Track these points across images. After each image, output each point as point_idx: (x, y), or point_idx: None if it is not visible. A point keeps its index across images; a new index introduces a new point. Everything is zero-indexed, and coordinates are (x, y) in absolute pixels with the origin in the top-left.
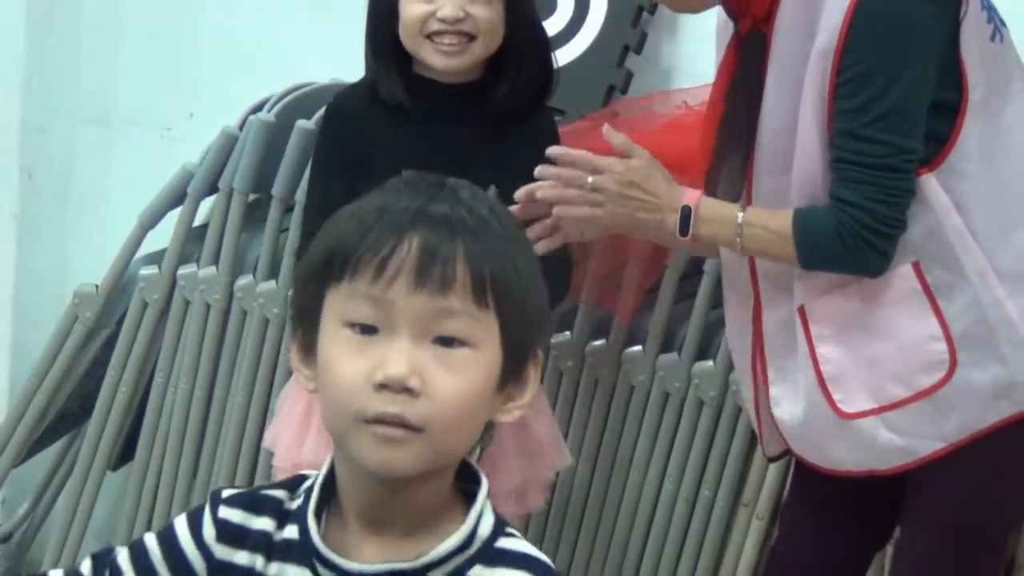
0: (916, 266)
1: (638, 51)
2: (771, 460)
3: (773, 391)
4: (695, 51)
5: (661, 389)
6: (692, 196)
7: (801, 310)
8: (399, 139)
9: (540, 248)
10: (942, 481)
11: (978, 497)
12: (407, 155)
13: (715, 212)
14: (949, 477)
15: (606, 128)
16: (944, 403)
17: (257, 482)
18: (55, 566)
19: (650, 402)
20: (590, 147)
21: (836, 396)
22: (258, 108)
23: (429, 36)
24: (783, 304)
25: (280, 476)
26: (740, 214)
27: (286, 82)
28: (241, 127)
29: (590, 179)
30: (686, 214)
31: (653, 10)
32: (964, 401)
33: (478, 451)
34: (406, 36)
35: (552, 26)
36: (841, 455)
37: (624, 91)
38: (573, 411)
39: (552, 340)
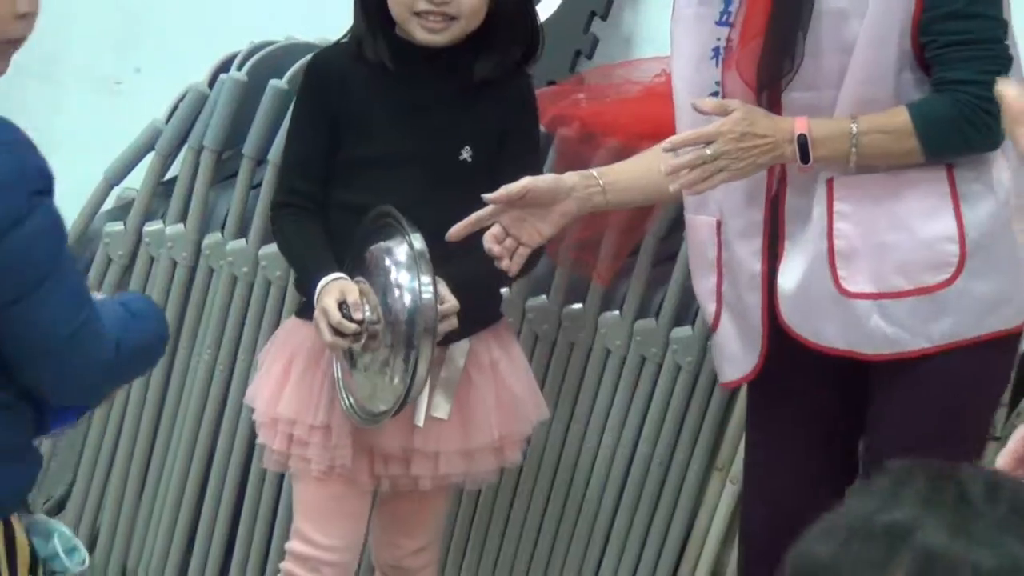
0: (950, 171)
1: (604, 17)
2: (727, 385)
3: (783, 262)
4: (658, 20)
5: (638, 354)
6: (802, 123)
7: (830, 183)
8: (380, 99)
9: (510, 267)
10: (916, 383)
11: (947, 407)
12: (386, 112)
13: (829, 130)
14: (924, 380)
15: (694, 101)
16: (941, 304)
17: (220, 439)
18: None
19: (626, 366)
20: (561, 113)
21: (841, 272)
22: (225, 66)
23: (416, 12)
24: (809, 175)
25: (261, 431)
26: (853, 125)
27: (234, 40)
28: (210, 85)
29: (708, 150)
30: (803, 142)
31: None
32: (960, 306)
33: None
34: (395, 9)
35: None
36: (829, 331)
37: (590, 56)
38: (548, 373)
39: (528, 303)
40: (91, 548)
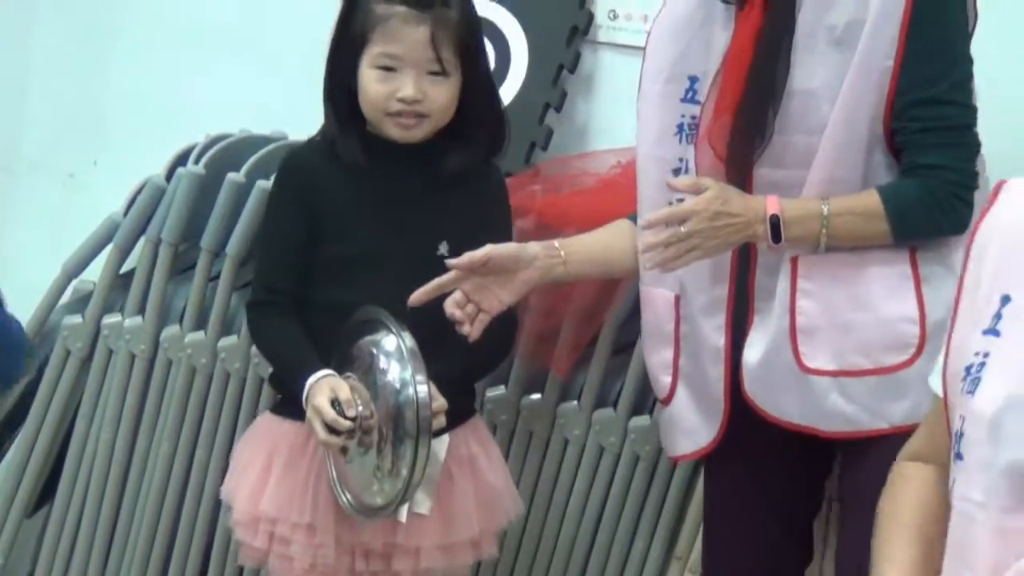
0: (912, 252)
1: (558, 109)
2: (678, 459)
3: (749, 336)
4: (611, 111)
5: (596, 443)
6: (773, 203)
7: (794, 260)
8: (354, 194)
9: (470, 332)
10: (877, 459)
11: None
12: (362, 209)
13: (801, 211)
14: (885, 456)
15: (668, 180)
16: (900, 385)
17: (180, 531)
18: None
19: (584, 456)
20: (518, 204)
21: (802, 349)
22: (182, 158)
23: (389, 113)
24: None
25: (239, 529)
26: (824, 206)
27: (190, 132)
28: (168, 178)
29: (682, 228)
30: (775, 222)
31: (573, 68)
32: (919, 388)
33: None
34: (367, 109)
35: None
36: (789, 406)
37: (544, 148)
38: (507, 462)
39: (487, 393)
40: None
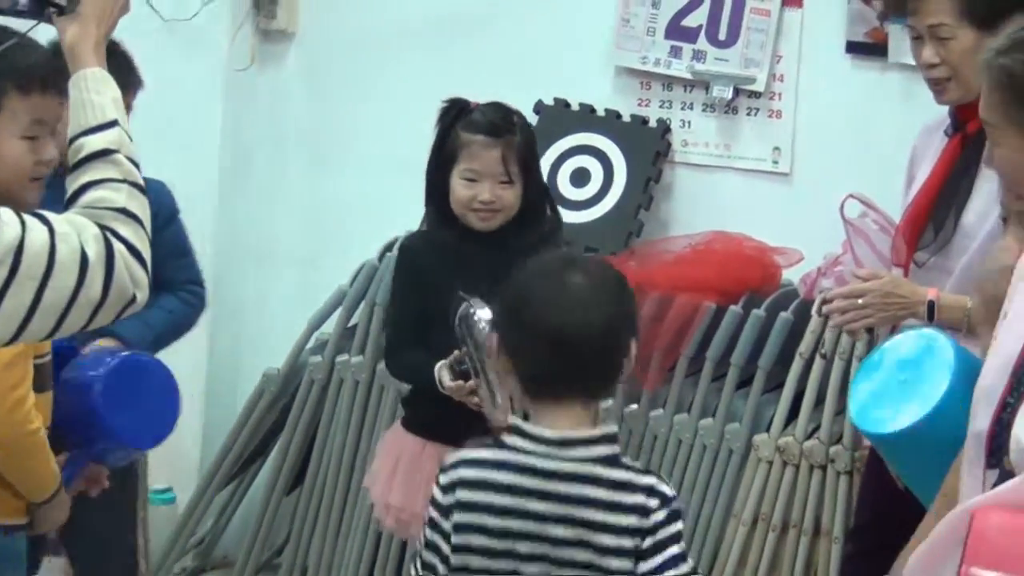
0: None
1: (647, 208)
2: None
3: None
4: (684, 210)
5: (676, 439)
6: (933, 292)
7: None
8: (451, 268)
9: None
10: None
11: None
12: (457, 279)
13: (951, 302)
14: None
15: (852, 270)
16: None
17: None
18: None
19: (667, 449)
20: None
21: None
22: (388, 247)
23: (472, 208)
24: None
25: (376, 513)
26: (969, 303)
27: (391, 229)
28: (379, 260)
29: (859, 301)
30: (931, 307)
31: (657, 180)
32: None
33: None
34: (456, 207)
35: (587, 191)
36: None
37: (638, 235)
38: None
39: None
40: None
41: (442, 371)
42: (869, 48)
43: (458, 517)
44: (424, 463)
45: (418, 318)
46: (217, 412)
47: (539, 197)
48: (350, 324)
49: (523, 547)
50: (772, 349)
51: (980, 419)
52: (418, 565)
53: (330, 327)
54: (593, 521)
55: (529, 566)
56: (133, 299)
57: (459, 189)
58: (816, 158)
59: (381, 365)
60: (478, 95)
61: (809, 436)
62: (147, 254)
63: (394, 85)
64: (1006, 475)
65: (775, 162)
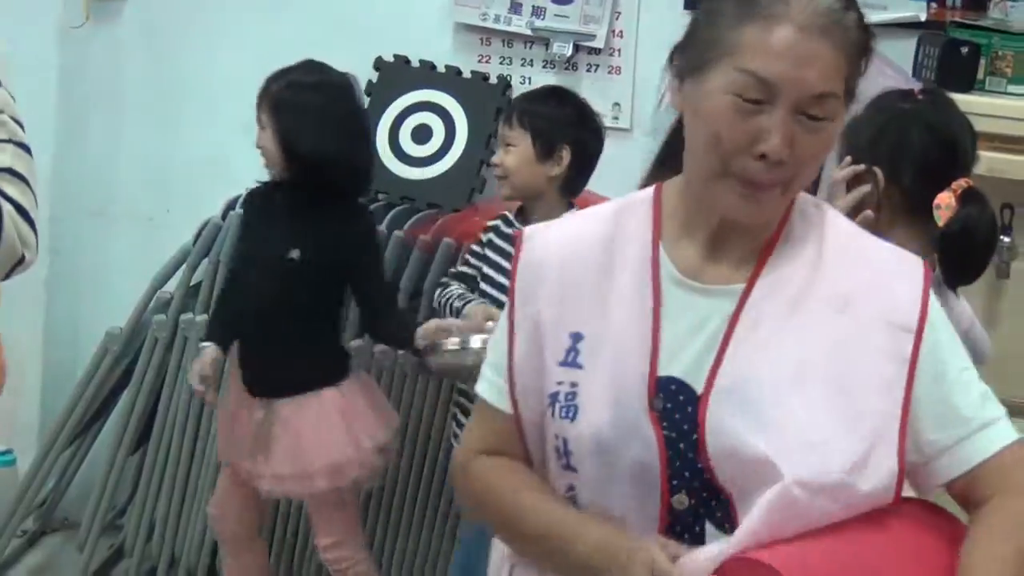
0: None
1: (489, 164)
2: None
3: None
4: None
5: None
6: None
7: None
8: None
9: None
10: None
11: None
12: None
13: None
14: None
15: None
16: None
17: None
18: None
19: None
20: (463, 228)
21: None
22: (231, 205)
23: None
24: None
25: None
26: None
27: (236, 184)
28: (223, 218)
29: None
30: None
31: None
32: None
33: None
34: None
35: (429, 148)
36: None
37: (481, 191)
38: None
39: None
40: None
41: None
42: None
43: None
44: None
45: None
46: (57, 372)
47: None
48: (193, 283)
49: None
50: None
51: None
52: None
53: (172, 286)
54: None
55: None
56: (23, 258)
57: None
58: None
59: None
60: (317, 52)
61: None
62: (35, 213)
63: (233, 42)
64: None
65: (615, 118)
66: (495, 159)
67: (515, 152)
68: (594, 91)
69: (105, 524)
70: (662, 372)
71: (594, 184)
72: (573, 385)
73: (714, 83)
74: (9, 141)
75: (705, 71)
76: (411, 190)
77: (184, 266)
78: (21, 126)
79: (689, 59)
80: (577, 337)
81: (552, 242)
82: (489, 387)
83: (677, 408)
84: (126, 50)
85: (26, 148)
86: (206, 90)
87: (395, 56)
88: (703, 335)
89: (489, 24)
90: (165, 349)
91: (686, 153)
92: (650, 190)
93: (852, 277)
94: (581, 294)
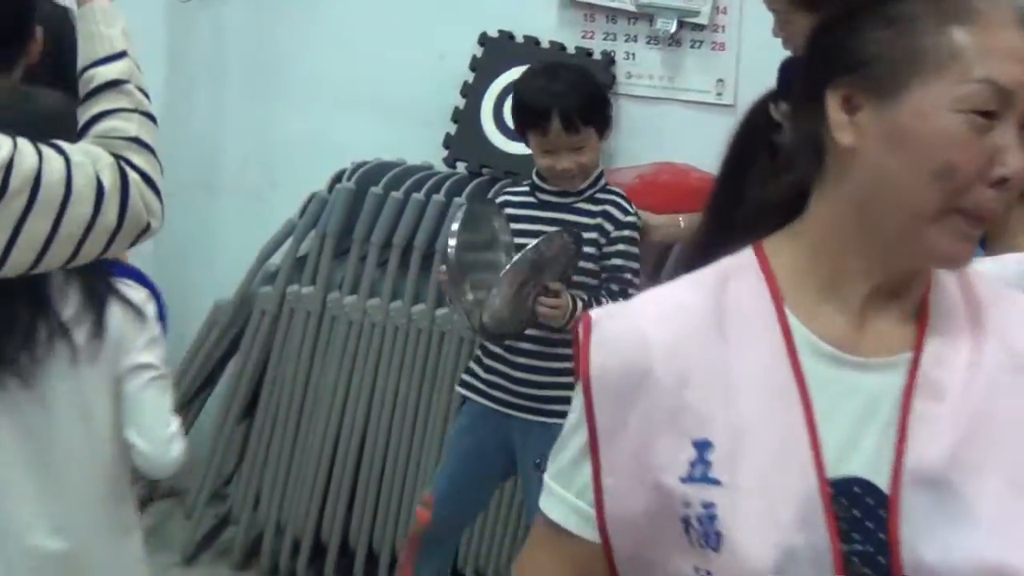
0: None
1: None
2: None
3: None
4: (630, 140)
5: None
6: None
7: None
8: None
9: None
10: None
11: None
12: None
13: None
14: None
15: None
16: None
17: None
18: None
19: None
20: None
21: None
22: (337, 178)
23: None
24: None
25: None
26: None
27: (341, 161)
28: (329, 192)
29: None
30: None
31: None
32: None
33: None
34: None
35: None
36: None
37: None
38: None
39: None
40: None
41: None
42: None
43: None
44: None
45: None
46: (166, 343)
47: None
48: (299, 255)
49: None
50: None
51: None
52: None
53: (278, 259)
54: None
55: None
56: (148, 227)
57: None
58: (759, 90)
59: (332, 295)
60: (422, 28)
61: None
62: (160, 182)
63: (339, 17)
64: None
65: (719, 94)
66: (565, 165)
67: (587, 150)
68: (698, 67)
69: (212, 492)
70: (834, 473)
71: (693, 159)
72: (707, 506)
73: (929, 101)
74: (135, 111)
75: (907, 89)
76: (515, 164)
77: (290, 239)
78: (147, 96)
79: (871, 80)
80: (704, 446)
81: (638, 330)
82: (564, 509)
83: (867, 515)
84: (231, 26)
85: (152, 117)
86: (309, 65)
87: (499, 32)
88: (878, 419)
89: (594, 0)
90: (272, 321)
91: (856, 197)
92: (747, 253)
93: (1021, 330)
94: (699, 390)
